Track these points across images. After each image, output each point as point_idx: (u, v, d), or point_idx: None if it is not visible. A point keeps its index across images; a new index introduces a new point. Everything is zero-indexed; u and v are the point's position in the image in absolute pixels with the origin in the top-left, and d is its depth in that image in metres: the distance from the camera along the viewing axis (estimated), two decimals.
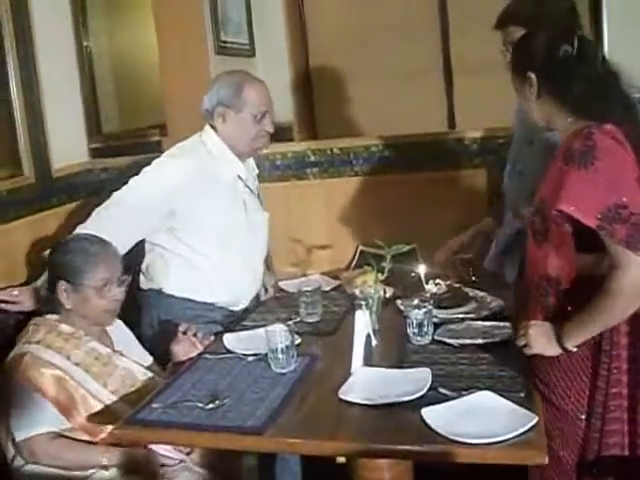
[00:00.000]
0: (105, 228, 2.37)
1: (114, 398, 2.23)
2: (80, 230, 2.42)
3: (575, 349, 1.83)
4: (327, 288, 2.79)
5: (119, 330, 2.45)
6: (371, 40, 4.51)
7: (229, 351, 2.27)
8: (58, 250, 2.34)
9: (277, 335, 2.10)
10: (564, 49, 1.84)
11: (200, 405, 1.90)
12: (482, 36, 3.96)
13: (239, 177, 2.67)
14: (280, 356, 2.09)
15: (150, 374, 2.35)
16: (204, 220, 2.53)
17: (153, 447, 2.13)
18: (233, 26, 4.32)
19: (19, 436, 2.16)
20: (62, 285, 2.27)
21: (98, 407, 2.21)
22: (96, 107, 3.81)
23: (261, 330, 2.35)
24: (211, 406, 1.89)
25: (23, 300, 2.42)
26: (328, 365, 2.15)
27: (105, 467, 2.16)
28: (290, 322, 2.38)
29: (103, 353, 2.31)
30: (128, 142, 3.86)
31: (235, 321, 2.58)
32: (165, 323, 2.56)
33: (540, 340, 1.88)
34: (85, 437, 2.20)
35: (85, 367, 2.24)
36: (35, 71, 2.64)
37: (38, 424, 2.15)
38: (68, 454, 2.16)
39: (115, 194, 2.50)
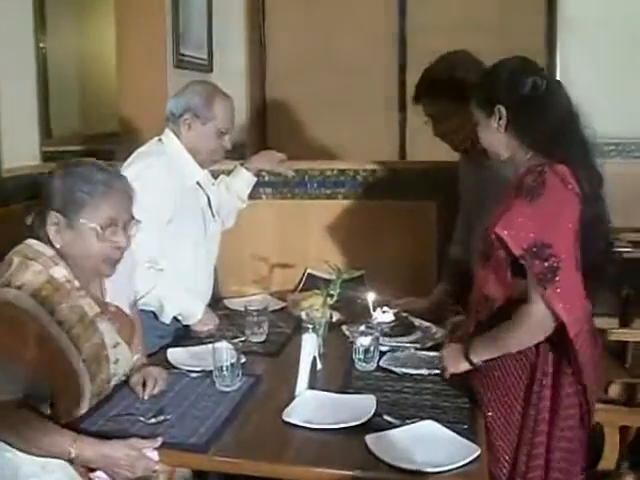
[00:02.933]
0: None
1: (83, 369, 1.86)
2: None
3: (481, 363, 1.96)
4: (272, 308, 2.77)
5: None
6: (328, 68, 4.57)
7: (173, 366, 2.24)
8: (57, 172, 1.91)
9: (223, 353, 2.08)
10: (534, 82, 1.89)
11: (142, 419, 1.87)
12: None
13: (198, 184, 2.66)
14: (225, 374, 2.07)
15: (120, 348, 2.00)
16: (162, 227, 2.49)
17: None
18: (193, 40, 4.32)
19: None
20: (53, 217, 1.85)
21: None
22: (47, 110, 3.74)
23: (206, 347, 2.34)
24: (153, 421, 1.86)
25: None
26: (272, 386, 2.14)
27: (71, 460, 1.73)
28: (236, 340, 2.36)
29: (89, 314, 1.92)
30: (79, 148, 3.79)
31: (178, 336, 2.55)
32: None
33: (450, 359, 2.05)
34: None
35: (66, 327, 1.84)
36: None
37: (7, 390, 1.75)
38: (33, 431, 1.72)
39: None
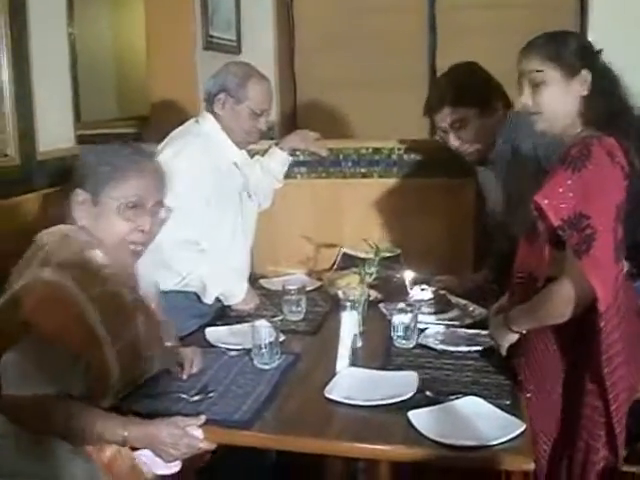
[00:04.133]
0: None
1: (114, 362, 1.76)
2: None
3: (524, 331, 1.94)
4: (309, 288, 2.77)
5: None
6: (357, 48, 4.51)
7: (211, 345, 2.25)
8: (86, 152, 1.86)
9: (262, 331, 2.09)
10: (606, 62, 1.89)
11: (184, 397, 1.88)
12: (468, 51, 4.08)
13: (235, 164, 2.66)
14: (264, 352, 2.08)
15: (153, 344, 1.93)
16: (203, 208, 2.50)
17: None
18: (222, 22, 4.30)
19: (19, 390, 1.64)
20: (79, 195, 1.79)
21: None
22: (77, 95, 3.75)
23: (243, 325, 2.35)
24: (197, 398, 1.87)
25: None
26: (311, 364, 2.14)
27: (124, 441, 1.67)
28: (275, 319, 2.36)
29: (127, 304, 1.83)
30: (109, 131, 3.81)
31: (217, 316, 2.56)
32: None
33: (497, 331, 2.03)
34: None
35: (103, 314, 1.72)
36: (27, 54, 2.59)
37: (55, 382, 1.65)
38: (85, 421, 1.64)
39: None
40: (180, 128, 2.63)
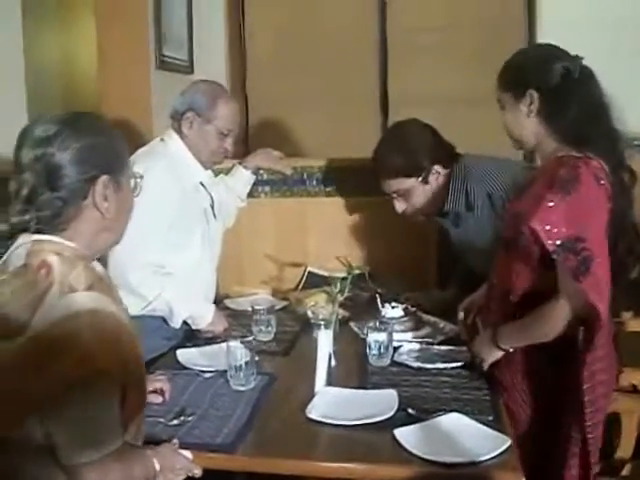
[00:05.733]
0: None
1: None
2: None
3: (511, 349, 1.97)
4: (277, 307, 2.74)
5: None
6: (309, 68, 4.53)
7: (184, 367, 2.20)
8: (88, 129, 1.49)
9: (237, 352, 2.05)
10: (567, 67, 1.88)
11: (162, 421, 1.83)
12: (418, 71, 4.15)
13: (201, 184, 2.62)
14: (241, 373, 2.04)
15: None
16: (168, 228, 2.45)
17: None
18: (174, 41, 4.26)
19: (84, 457, 1.34)
20: (104, 181, 1.47)
21: None
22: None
23: (213, 347, 2.32)
24: (175, 422, 1.83)
25: None
26: (287, 384, 2.11)
27: (155, 474, 1.51)
28: (248, 339, 2.33)
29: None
30: None
31: (186, 337, 2.51)
32: None
33: (484, 349, 2.04)
34: None
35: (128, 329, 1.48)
36: None
37: (113, 433, 1.39)
38: (132, 468, 1.46)
39: None
40: (145, 148, 2.57)
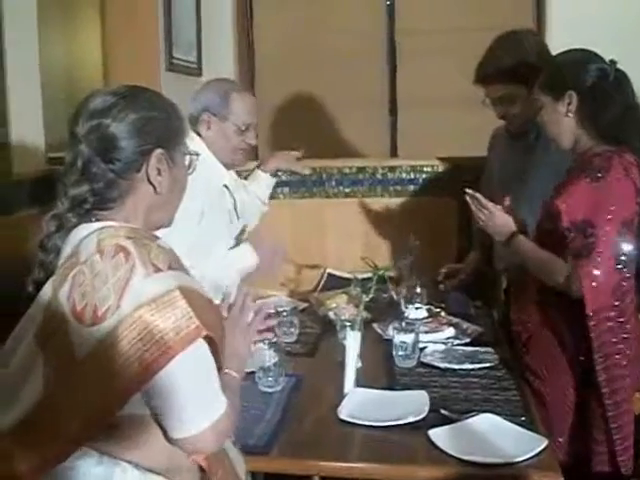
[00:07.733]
0: None
1: None
2: None
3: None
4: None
5: None
6: (318, 70, 4.53)
7: None
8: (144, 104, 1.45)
9: (266, 353, 2.05)
10: (603, 69, 1.94)
11: None
12: (427, 72, 4.15)
13: (225, 186, 2.61)
14: (270, 375, 2.04)
15: None
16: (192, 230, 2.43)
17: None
18: (183, 43, 4.26)
19: (201, 424, 1.30)
20: (158, 154, 1.44)
21: None
22: None
23: None
24: None
25: None
26: (316, 385, 2.11)
27: (242, 373, 1.58)
28: (272, 340, 2.32)
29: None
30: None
31: None
32: None
33: (496, 229, 2.16)
34: None
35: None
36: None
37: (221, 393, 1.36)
38: (233, 400, 1.42)
39: None
40: None
